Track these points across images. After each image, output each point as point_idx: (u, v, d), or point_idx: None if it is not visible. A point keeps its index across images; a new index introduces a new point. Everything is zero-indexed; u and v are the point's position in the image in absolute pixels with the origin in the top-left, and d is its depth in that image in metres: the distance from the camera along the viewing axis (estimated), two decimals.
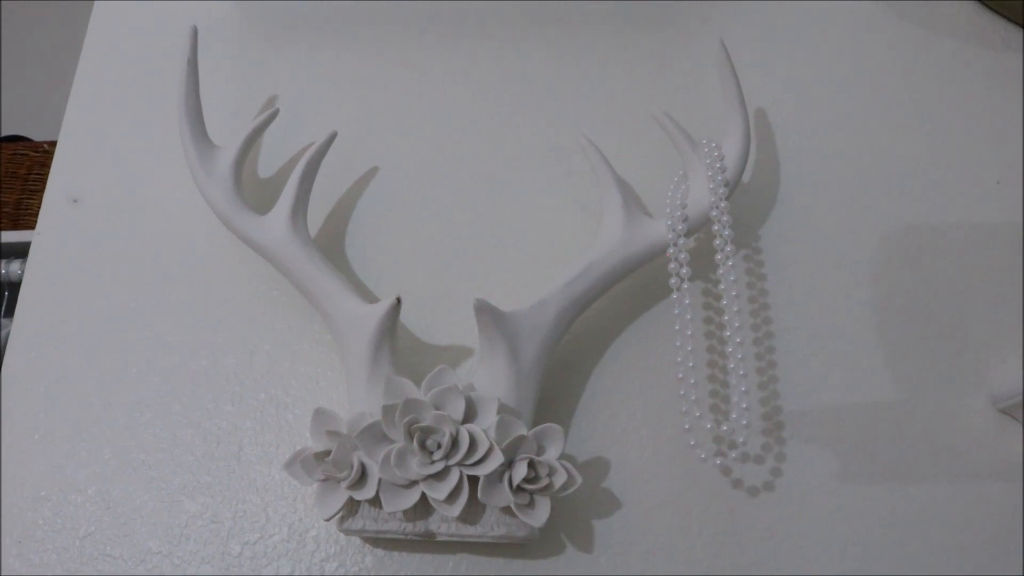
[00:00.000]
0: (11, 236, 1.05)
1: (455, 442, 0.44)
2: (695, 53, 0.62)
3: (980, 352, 0.53)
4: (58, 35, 1.86)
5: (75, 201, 0.58)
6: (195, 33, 0.54)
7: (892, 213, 0.57)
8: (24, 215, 1.05)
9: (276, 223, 0.51)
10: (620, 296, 0.53)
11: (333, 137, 0.54)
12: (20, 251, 1.04)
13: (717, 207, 0.49)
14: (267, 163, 0.59)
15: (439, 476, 0.44)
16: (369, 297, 0.54)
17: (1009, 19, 0.66)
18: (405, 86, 0.61)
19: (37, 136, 1.21)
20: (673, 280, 0.49)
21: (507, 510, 0.45)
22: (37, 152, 1.06)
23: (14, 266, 1.02)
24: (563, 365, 0.52)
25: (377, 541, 0.48)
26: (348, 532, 0.46)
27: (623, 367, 0.52)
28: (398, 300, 0.47)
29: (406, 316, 0.54)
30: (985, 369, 0.53)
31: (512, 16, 0.64)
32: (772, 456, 0.51)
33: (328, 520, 0.45)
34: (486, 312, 0.46)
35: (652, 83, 0.61)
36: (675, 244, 0.49)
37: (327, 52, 0.63)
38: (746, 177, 0.57)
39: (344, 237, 0.56)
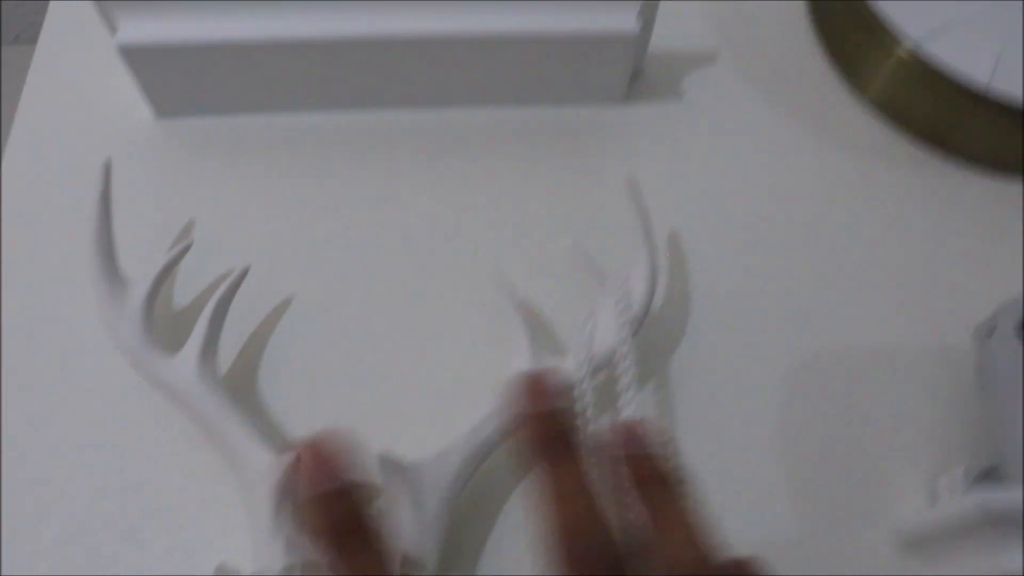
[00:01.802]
0: None
1: None
2: (610, 184, 0.63)
3: (882, 485, 0.54)
4: None
5: None
6: (109, 167, 0.54)
7: (800, 344, 0.58)
8: None
9: (184, 366, 0.50)
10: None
11: (245, 272, 0.54)
12: None
13: (622, 347, 0.50)
14: (182, 293, 0.58)
15: None
16: (277, 438, 0.54)
17: (910, 134, 0.68)
18: (322, 215, 0.61)
19: None
20: (579, 420, 0.49)
21: None
22: None
23: None
24: (471, 508, 0.52)
25: None
26: None
27: (530, 508, 0.52)
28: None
29: None
30: (887, 502, 0.54)
31: (430, 149, 0.64)
32: None
33: None
34: (389, 465, 0.46)
35: (568, 215, 0.62)
36: (580, 386, 0.50)
37: (247, 174, 0.63)
38: (656, 305, 0.58)
39: (256, 373, 0.56)
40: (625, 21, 0.59)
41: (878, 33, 0.66)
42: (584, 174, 0.63)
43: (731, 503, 0.53)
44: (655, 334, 0.57)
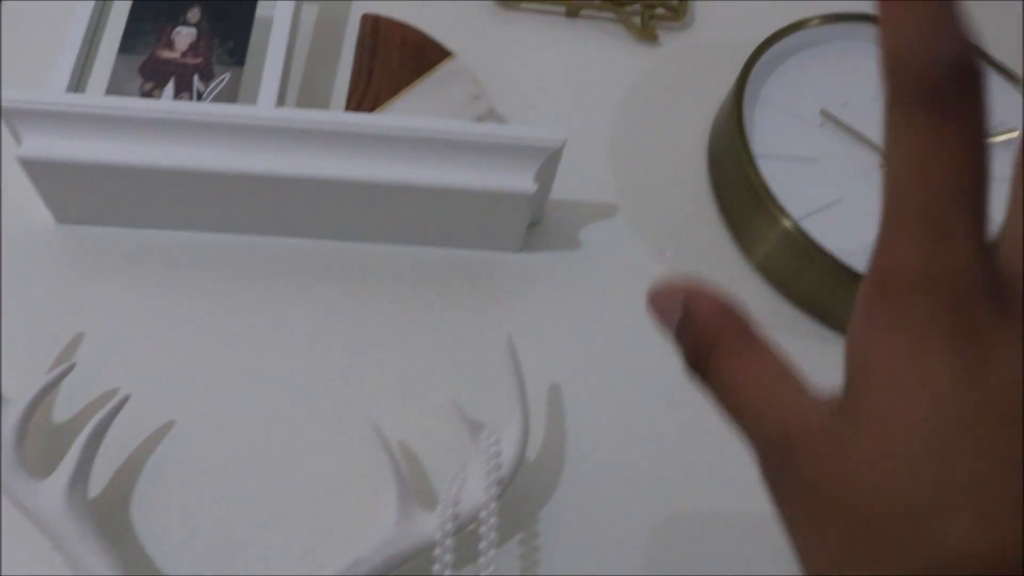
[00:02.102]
0: None
1: None
2: (497, 332, 0.65)
3: None
4: None
5: None
6: None
7: (672, 502, 0.60)
8: None
9: (52, 494, 0.51)
10: None
11: (125, 401, 0.55)
12: None
13: (487, 508, 0.52)
14: (64, 406, 0.59)
15: None
16: (146, 566, 0.54)
17: (794, 304, 0.72)
18: (210, 333, 0.63)
19: None
20: None
21: None
22: None
23: None
24: None
25: None
26: None
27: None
28: None
29: None
30: None
31: (324, 281, 0.66)
32: None
33: None
34: None
35: (452, 361, 0.64)
36: (442, 544, 0.51)
37: (138, 288, 0.64)
38: (531, 456, 0.60)
39: (131, 494, 0.57)
40: (522, 181, 0.62)
41: (766, 203, 0.70)
42: (472, 320, 0.66)
43: None
44: (528, 485, 0.59)
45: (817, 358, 0.68)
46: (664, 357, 0.66)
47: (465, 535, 0.54)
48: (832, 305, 0.70)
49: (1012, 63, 0.69)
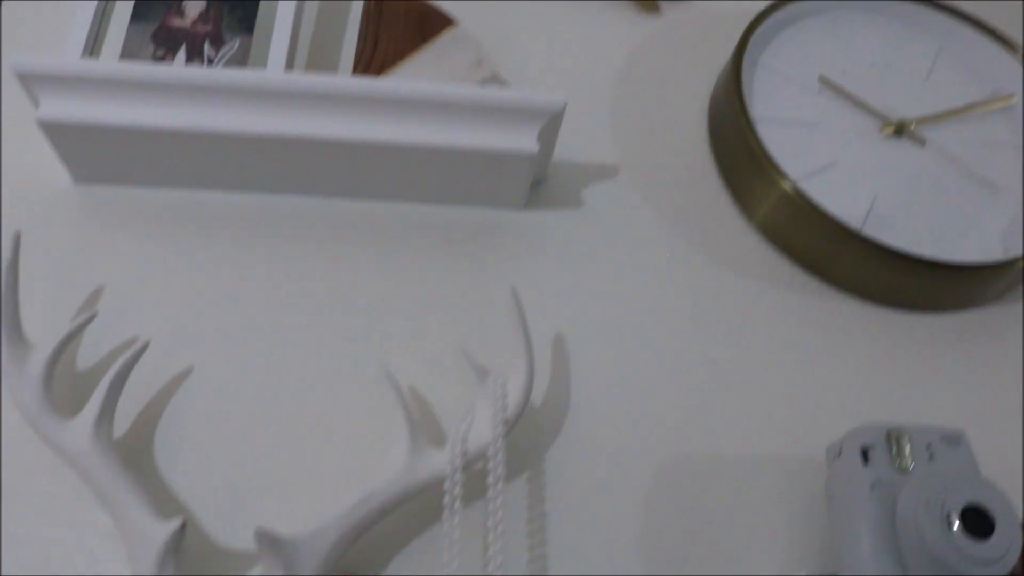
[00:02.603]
0: None
1: None
2: (501, 280, 0.68)
3: None
4: None
5: None
6: (18, 238, 0.57)
7: (668, 442, 0.63)
8: None
9: (79, 431, 0.53)
10: (403, 513, 0.57)
11: (145, 347, 0.57)
12: None
13: (494, 445, 0.54)
14: (87, 354, 0.61)
15: None
16: (167, 500, 0.57)
17: (792, 260, 0.74)
18: (226, 287, 0.65)
19: None
20: (445, 512, 0.53)
21: None
22: None
23: None
24: None
25: None
26: None
27: None
28: (183, 524, 0.50)
29: (203, 517, 0.56)
30: None
31: (334, 237, 0.69)
32: None
33: None
34: (265, 540, 0.49)
35: (459, 312, 0.66)
36: (451, 478, 0.53)
37: (156, 245, 0.66)
38: (537, 400, 0.63)
39: (153, 436, 0.59)
40: (526, 141, 0.64)
41: (764, 166, 0.72)
42: (478, 274, 0.68)
43: None
44: (533, 429, 0.62)
45: (815, 312, 0.71)
46: (661, 309, 0.68)
47: (473, 474, 0.57)
48: (830, 262, 0.72)
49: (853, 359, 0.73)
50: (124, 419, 0.59)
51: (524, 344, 0.58)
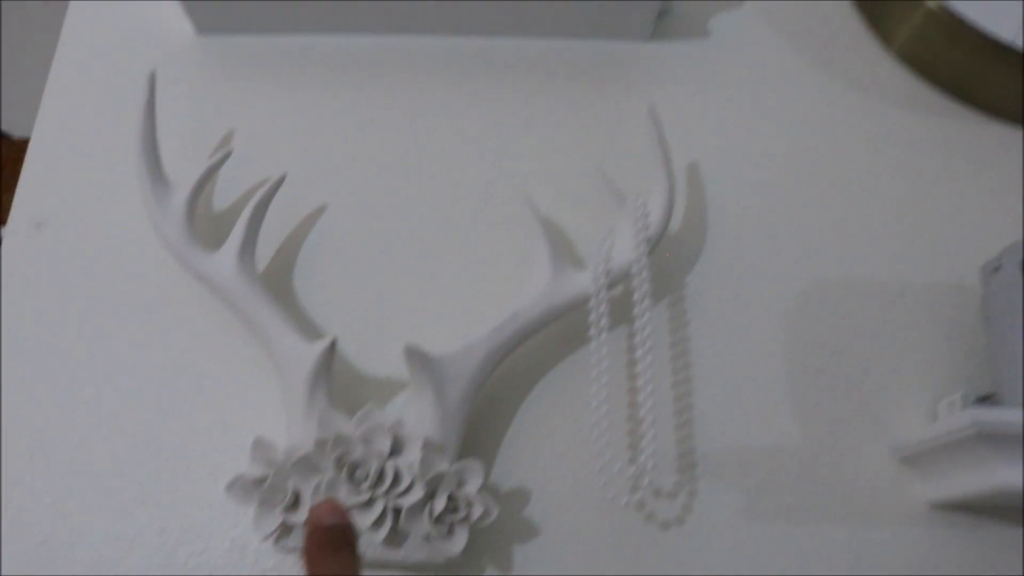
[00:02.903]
0: None
1: (381, 475, 0.48)
2: (632, 111, 0.66)
3: (885, 404, 0.57)
4: (35, 36, 1.87)
5: (38, 225, 0.61)
6: (153, 78, 0.57)
7: (811, 268, 0.61)
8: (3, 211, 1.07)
9: (224, 261, 0.54)
10: (548, 339, 0.57)
11: (282, 179, 0.58)
12: None
13: (638, 263, 0.53)
14: (222, 197, 0.62)
15: (365, 505, 0.48)
16: (312, 331, 0.58)
17: (934, 85, 0.69)
18: (356, 127, 0.65)
19: (15, 132, 1.23)
20: (592, 330, 0.53)
21: (428, 537, 0.49)
22: (10, 150, 1.08)
23: None
24: (490, 402, 0.56)
25: None
26: (283, 550, 0.50)
27: (547, 405, 0.56)
28: (334, 341, 0.50)
29: (347, 349, 0.57)
30: (888, 421, 0.57)
31: (461, 74, 0.67)
32: (684, 493, 0.55)
33: (264, 540, 0.49)
34: (415, 356, 0.49)
35: (591, 138, 0.65)
36: (596, 296, 0.53)
37: (284, 90, 0.66)
38: (675, 227, 0.61)
39: (292, 272, 0.60)
40: None
41: None
42: (607, 106, 0.66)
43: (739, 414, 0.56)
44: (673, 252, 0.60)
45: (961, 138, 0.67)
46: (797, 137, 0.65)
47: (614, 301, 0.56)
48: (979, 85, 0.68)
49: (1000, 183, 0.66)
50: (264, 256, 0.60)
51: (663, 162, 0.56)
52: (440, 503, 0.48)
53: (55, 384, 0.57)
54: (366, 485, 0.48)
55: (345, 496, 0.48)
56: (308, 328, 0.58)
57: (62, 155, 0.64)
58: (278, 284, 0.59)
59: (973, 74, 0.67)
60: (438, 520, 0.48)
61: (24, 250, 0.61)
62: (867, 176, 0.64)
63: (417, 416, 0.50)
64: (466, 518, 0.49)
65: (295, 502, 0.49)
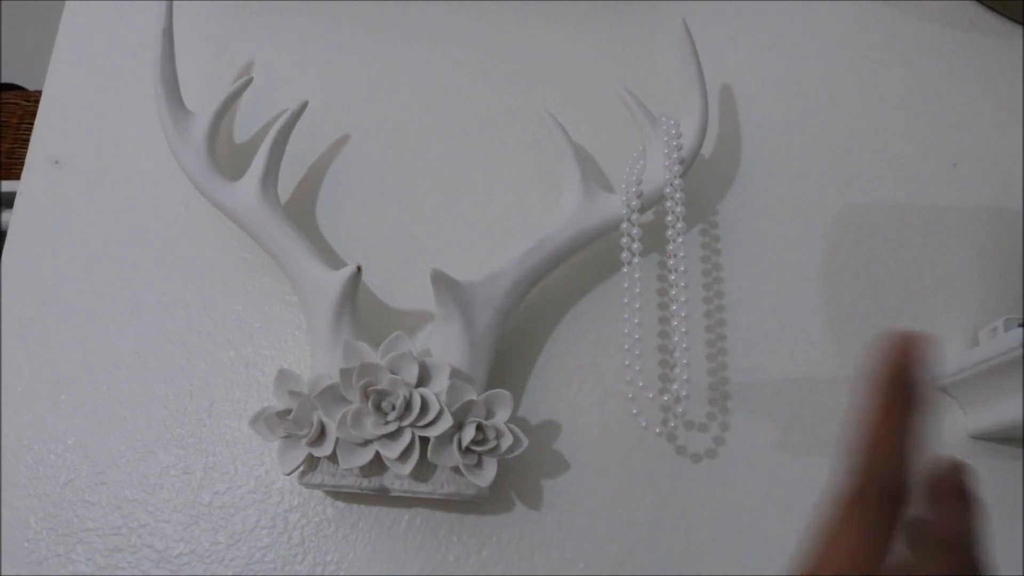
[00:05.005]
0: (3, 186, 1.06)
1: (408, 405, 0.47)
2: (660, 31, 0.63)
3: (923, 331, 0.55)
4: None
5: (56, 162, 0.60)
6: (171, 4, 0.55)
7: (847, 193, 0.58)
8: (16, 164, 1.06)
9: (246, 190, 0.53)
10: (577, 267, 0.55)
11: (304, 106, 0.56)
12: (10, 201, 1.04)
13: (671, 184, 0.51)
14: (242, 128, 0.60)
15: (392, 436, 0.47)
16: (335, 262, 0.56)
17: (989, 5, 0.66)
18: (377, 56, 0.63)
19: (31, 85, 1.21)
20: (624, 254, 0.51)
21: (456, 469, 0.48)
22: (28, 101, 1.07)
23: (5, 216, 1.03)
24: (520, 332, 0.54)
25: (337, 494, 0.51)
26: (308, 486, 0.49)
27: (577, 335, 0.55)
28: (359, 268, 0.49)
29: (371, 280, 0.56)
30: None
31: (477, 7, 0.65)
32: (716, 425, 0.53)
33: (288, 474, 0.48)
34: (442, 281, 0.48)
35: (617, 60, 0.62)
36: (628, 219, 0.51)
37: (302, 20, 0.64)
38: (707, 152, 0.59)
39: (315, 202, 0.58)
40: None
41: None
42: (636, 24, 0.63)
43: (774, 344, 0.54)
44: (705, 180, 0.58)
45: (1005, 56, 0.64)
46: (833, 58, 0.63)
47: (645, 228, 0.54)
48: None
49: (1012, 90, 0.61)
50: (287, 187, 0.58)
51: (696, 80, 0.54)
52: (469, 433, 0.47)
53: (76, 322, 0.56)
54: (393, 415, 0.47)
55: (371, 427, 0.46)
56: (332, 259, 0.57)
57: (78, 91, 0.62)
58: (302, 215, 0.58)
59: None
60: (467, 451, 0.47)
61: (43, 187, 0.60)
62: (904, 98, 0.62)
63: (444, 345, 0.49)
64: (495, 448, 0.47)
65: (321, 434, 0.47)
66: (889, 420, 0.32)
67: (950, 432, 0.53)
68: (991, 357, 0.49)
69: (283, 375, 0.49)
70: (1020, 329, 0.48)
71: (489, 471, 0.47)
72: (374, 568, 0.50)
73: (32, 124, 0.62)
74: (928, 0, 0.65)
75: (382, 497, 0.51)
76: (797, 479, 0.52)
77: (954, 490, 0.33)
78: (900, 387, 0.32)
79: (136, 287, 0.57)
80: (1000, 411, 0.51)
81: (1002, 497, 0.52)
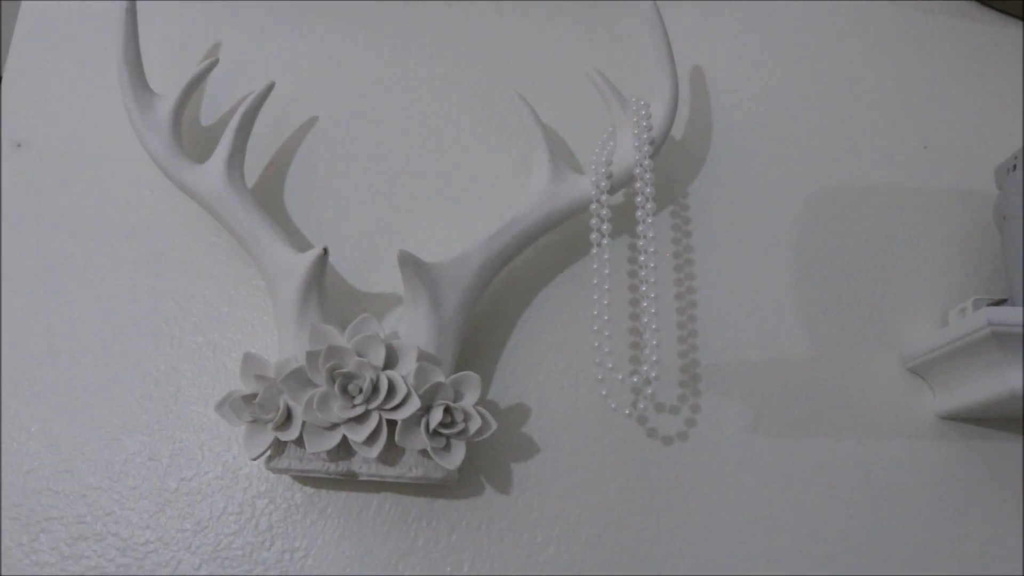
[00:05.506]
0: None
1: (375, 387, 0.46)
2: (631, 12, 0.63)
3: (893, 314, 0.55)
4: None
5: (18, 145, 0.59)
6: None
7: (818, 175, 0.58)
8: None
9: (212, 172, 0.52)
10: (546, 249, 0.55)
11: (270, 88, 0.55)
12: None
13: (641, 164, 0.51)
14: (208, 111, 0.60)
15: (359, 419, 0.46)
16: (303, 245, 0.56)
17: None
18: (345, 38, 0.62)
19: None
20: (594, 235, 0.51)
21: (425, 452, 0.47)
22: None
23: None
24: (488, 315, 0.54)
25: (305, 479, 0.51)
26: (275, 471, 0.48)
27: (546, 318, 0.54)
28: (325, 250, 0.48)
29: (339, 263, 0.55)
30: (897, 330, 0.55)
31: None
32: (687, 407, 0.53)
33: (255, 459, 0.47)
34: (409, 263, 0.47)
35: (587, 42, 0.62)
36: (598, 201, 0.51)
37: (269, 1, 0.63)
38: (677, 134, 0.59)
39: (282, 186, 0.58)
40: None
41: None
42: (606, 7, 0.63)
43: (744, 326, 0.54)
44: (675, 162, 0.58)
45: (973, 39, 0.64)
46: (805, 38, 0.63)
47: (615, 209, 0.54)
48: None
49: (1012, 85, 0.62)
50: (254, 171, 0.58)
51: (666, 62, 0.53)
52: (436, 416, 0.46)
53: (39, 308, 0.55)
54: (360, 398, 0.46)
55: (338, 410, 0.46)
56: (299, 242, 0.56)
57: (41, 72, 0.61)
58: (269, 198, 0.57)
59: None
60: (435, 434, 0.47)
61: (5, 171, 0.58)
62: (875, 80, 0.62)
63: (412, 327, 0.48)
64: (463, 431, 0.47)
65: (287, 418, 0.47)
66: None
67: (919, 413, 0.53)
68: (960, 337, 0.49)
69: (249, 359, 0.48)
70: (987, 309, 0.48)
71: (457, 454, 0.47)
72: (343, 553, 0.50)
73: None
74: None
75: (351, 482, 0.50)
76: (767, 461, 0.52)
77: None
78: None
79: (101, 272, 0.56)
80: (969, 391, 0.51)
81: (970, 476, 0.52)
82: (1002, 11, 0.66)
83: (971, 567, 0.50)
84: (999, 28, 0.64)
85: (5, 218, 0.57)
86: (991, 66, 0.63)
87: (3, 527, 0.50)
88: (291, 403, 0.47)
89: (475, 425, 0.47)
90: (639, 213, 0.50)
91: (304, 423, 0.46)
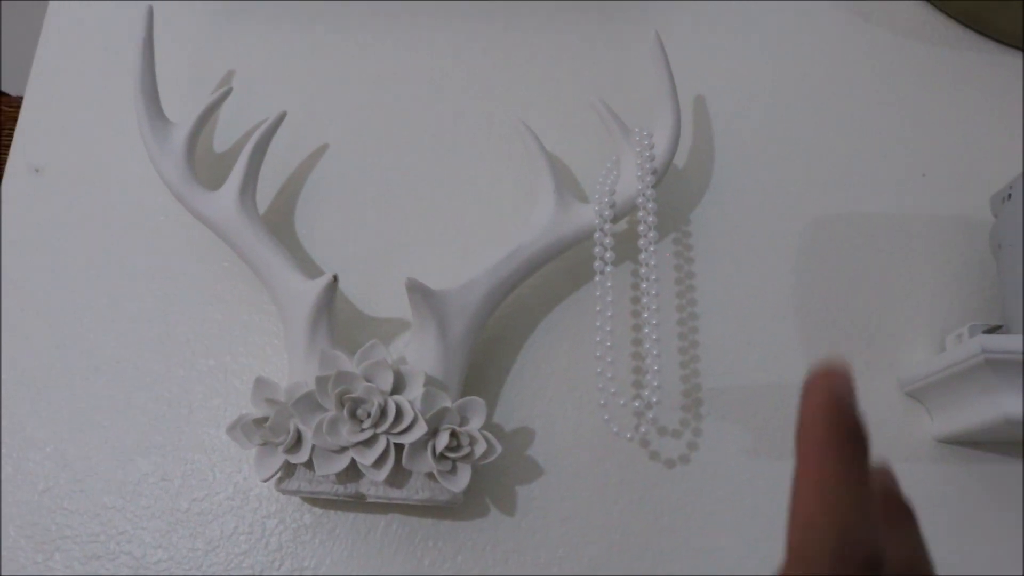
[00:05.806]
0: None
1: (383, 412, 0.47)
2: (633, 42, 0.64)
3: (890, 339, 0.56)
4: None
5: (37, 170, 0.60)
6: (151, 13, 0.56)
7: (818, 203, 0.60)
8: None
9: (225, 200, 0.53)
10: (551, 276, 0.56)
11: (282, 117, 0.57)
12: None
13: (644, 194, 0.52)
14: (222, 138, 0.61)
15: (367, 443, 0.47)
16: (314, 271, 0.57)
17: (946, 14, 0.68)
18: (355, 66, 0.63)
19: (12, 90, 1.21)
20: (597, 263, 0.52)
21: (431, 475, 0.48)
22: (11, 107, 1.07)
23: None
24: (494, 340, 0.55)
25: (314, 501, 0.52)
26: (285, 492, 0.49)
27: (551, 343, 0.55)
28: (335, 278, 0.50)
29: (349, 289, 0.56)
30: (895, 355, 0.56)
31: (460, 4, 0.66)
32: (689, 431, 0.54)
33: (265, 481, 0.49)
34: (417, 290, 0.49)
35: (592, 71, 0.63)
36: (601, 229, 0.52)
37: (281, 30, 0.65)
38: (680, 162, 0.60)
39: (293, 212, 0.59)
40: None
41: None
42: (610, 35, 0.64)
43: (745, 351, 0.55)
44: (678, 190, 0.59)
45: (971, 69, 0.65)
46: (806, 68, 0.64)
47: (619, 236, 0.55)
48: (990, 13, 0.66)
49: (1012, 114, 0.63)
50: (266, 197, 0.59)
51: (668, 91, 0.55)
52: (443, 440, 0.47)
53: (55, 330, 0.56)
54: (368, 423, 0.47)
55: (346, 434, 0.47)
56: (310, 268, 0.57)
57: (60, 98, 0.63)
58: (280, 225, 0.59)
59: (985, 2, 0.66)
60: (441, 457, 0.48)
61: (23, 195, 0.60)
62: (875, 109, 0.63)
63: (419, 353, 0.50)
64: (469, 455, 0.48)
65: (297, 441, 0.48)
66: (830, 469, 0.26)
67: (917, 436, 0.54)
68: (957, 362, 0.50)
69: (260, 383, 0.49)
70: (982, 337, 0.49)
71: (463, 477, 0.48)
72: (351, 572, 0.51)
73: (13, 130, 0.62)
74: (899, 14, 0.66)
75: (359, 504, 0.51)
76: (768, 485, 0.53)
77: (901, 508, 0.30)
78: (836, 427, 0.26)
79: (115, 295, 0.57)
80: (966, 415, 0.52)
81: (968, 499, 0.53)
82: (1001, 42, 0.67)
83: None
84: (998, 58, 0.65)
85: (23, 242, 0.58)
86: (990, 96, 0.64)
87: (19, 546, 0.51)
88: (301, 427, 0.48)
89: (480, 449, 0.48)
90: (642, 241, 0.52)
91: (314, 446, 0.48)
